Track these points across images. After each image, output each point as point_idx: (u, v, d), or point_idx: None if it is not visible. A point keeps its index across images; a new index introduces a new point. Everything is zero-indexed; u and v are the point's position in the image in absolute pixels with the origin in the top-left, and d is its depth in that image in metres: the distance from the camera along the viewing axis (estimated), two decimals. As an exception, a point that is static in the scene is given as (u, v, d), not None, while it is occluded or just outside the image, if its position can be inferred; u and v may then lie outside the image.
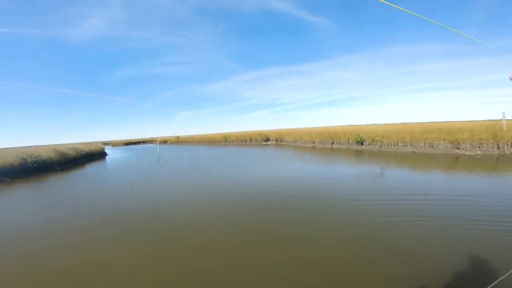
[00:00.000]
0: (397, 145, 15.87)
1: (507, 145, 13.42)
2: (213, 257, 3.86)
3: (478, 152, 13.62)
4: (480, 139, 14.03)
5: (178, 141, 51.12)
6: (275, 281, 3.13)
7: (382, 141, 16.54)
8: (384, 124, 23.68)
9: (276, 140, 26.58)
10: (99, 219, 6.07)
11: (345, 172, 10.61)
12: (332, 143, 19.62)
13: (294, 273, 3.26)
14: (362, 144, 17.57)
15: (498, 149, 13.53)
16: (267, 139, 28.63)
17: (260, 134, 30.78)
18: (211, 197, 7.49)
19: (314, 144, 20.77)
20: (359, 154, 15.72)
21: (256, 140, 29.98)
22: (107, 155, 27.74)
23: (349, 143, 18.51)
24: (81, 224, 5.72)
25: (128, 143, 63.13)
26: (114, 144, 61.57)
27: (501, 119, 15.56)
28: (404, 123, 20.36)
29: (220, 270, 3.48)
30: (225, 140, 37.10)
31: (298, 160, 15.12)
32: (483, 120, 17.64)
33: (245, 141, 32.14)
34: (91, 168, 17.54)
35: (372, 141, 16.99)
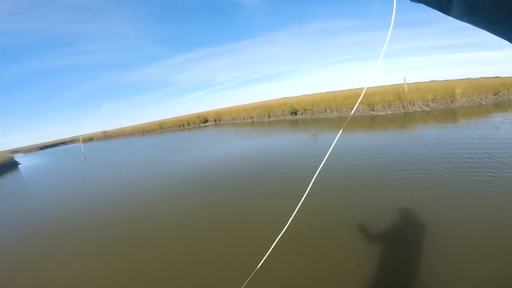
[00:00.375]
0: (325, 111, 17.57)
1: (410, 105, 16.26)
2: (170, 247, 3.69)
3: (389, 112, 16.13)
4: (389, 101, 16.57)
5: (107, 136, 45.53)
6: (238, 258, 3.15)
7: (313, 110, 18.06)
8: (313, 94, 25.78)
9: (215, 121, 26.27)
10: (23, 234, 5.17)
11: (284, 142, 11.30)
12: (269, 116, 20.48)
13: (252, 249, 3.31)
14: (296, 114, 18.85)
15: (403, 108, 16.27)
16: (206, 121, 28.00)
17: (198, 116, 29.78)
18: (153, 188, 7.05)
19: (253, 120, 21.33)
20: (294, 123, 16.88)
21: (194, 123, 28.97)
22: (20, 164, 23.08)
23: (284, 115, 19.63)
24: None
25: (44, 147, 53.80)
26: (26, 150, 51.95)
27: (403, 83, 18.63)
28: (329, 92, 22.56)
29: (184, 258, 3.38)
30: (161, 128, 34.74)
31: (239, 136, 15.40)
32: (390, 85, 20.83)
33: (183, 125, 30.72)
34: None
35: (304, 111, 18.39)
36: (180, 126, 31.16)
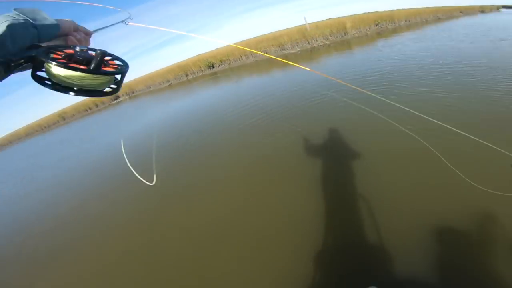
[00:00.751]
0: (242, 59, 17.83)
1: (314, 40, 17.86)
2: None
3: (298, 49, 17.46)
4: (296, 40, 17.87)
5: None
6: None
7: (229, 59, 18.06)
8: (226, 45, 25.48)
9: (128, 94, 23.62)
10: None
11: (206, 97, 11.16)
12: (187, 75, 19.58)
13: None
14: (213, 67, 18.55)
15: (309, 44, 17.81)
16: (117, 97, 24.91)
17: (106, 94, 26.15)
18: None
19: (170, 82, 20.01)
20: (214, 76, 16.67)
21: (103, 103, 25.43)
22: None
23: (202, 70, 19.05)
24: None
25: None
26: None
27: (305, 24, 20.18)
28: (242, 40, 22.75)
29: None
30: (63, 119, 29.33)
31: (158, 102, 14.45)
32: (295, 26, 22.33)
33: (90, 109, 26.65)
34: None
35: (221, 62, 18.24)
36: (87, 110, 26.94)
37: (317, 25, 19.41)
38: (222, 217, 2.94)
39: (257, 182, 3.41)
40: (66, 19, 0.73)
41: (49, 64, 0.55)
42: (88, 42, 0.77)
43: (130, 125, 10.36)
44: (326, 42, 17.38)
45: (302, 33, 17.91)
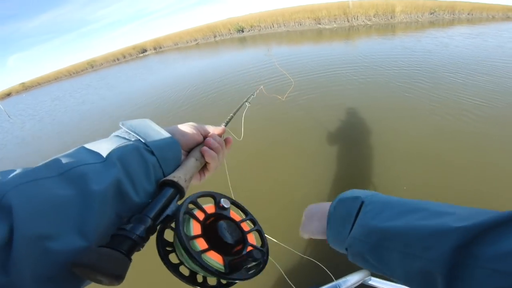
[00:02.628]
0: (273, 27, 17.42)
1: (354, 19, 16.95)
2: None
3: (335, 25, 16.67)
4: (334, 15, 17.04)
5: (26, 87, 38.97)
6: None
7: (260, 26, 17.72)
8: (260, 12, 25.03)
9: (155, 49, 24.20)
10: None
11: (240, 58, 10.91)
12: (215, 37, 19.58)
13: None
14: (242, 31, 18.34)
15: (348, 22, 16.93)
16: (144, 50, 25.66)
17: (134, 47, 26.81)
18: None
19: (197, 41, 20.16)
20: (242, 40, 16.50)
21: (131, 55, 26.34)
22: None
23: (231, 33, 18.93)
24: None
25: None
26: None
27: (348, 0, 19.11)
28: (276, 9, 22.11)
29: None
30: (92, 67, 30.91)
31: (184, 59, 14.66)
32: (336, 1, 21.18)
33: (118, 59, 27.75)
34: None
35: (251, 27, 17.96)
36: (115, 60, 28.08)
37: (361, 4, 18.28)
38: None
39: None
40: (186, 126, 0.51)
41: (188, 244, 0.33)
42: (223, 146, 0.54)
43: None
44: (368, 23, 16.38)
45: (342, 10, 17.00)
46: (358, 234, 0.41)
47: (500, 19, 18.27)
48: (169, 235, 0.36)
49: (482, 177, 2.35)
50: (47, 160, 0.33)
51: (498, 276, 0.25)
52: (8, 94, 40.17)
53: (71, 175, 0.32)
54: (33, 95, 23.05)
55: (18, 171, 0.30)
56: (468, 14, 19.01)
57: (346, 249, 0.44)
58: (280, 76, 5.63)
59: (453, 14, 18.59)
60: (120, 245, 0.29)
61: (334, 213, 0.47)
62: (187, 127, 0.50)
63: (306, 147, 3.16)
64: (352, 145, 3.12)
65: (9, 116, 14.18)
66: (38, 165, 0.32)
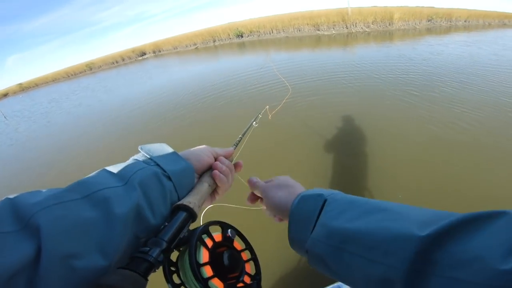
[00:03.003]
0: (272, 32, 17.62)
1: (353, 26, 17.20)
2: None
3: (333, 32, 16.90)
4: (333, 22, 17.28)
5: (23, 88, 38.86)
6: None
7: (259, 31, 17.93)
8: (259, 17, 25.35)
9: (154, 52, 24.35)
10: None
11: (238, 64, 11.00)
12: (214, 41, 19.78)
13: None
14: (242, 37, 18.54)
15: (347, 29, 17.18)
16: (143, 54, 25.81)
17: (133, 50, 26.97)
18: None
19: (196, 46, 20.33)
20: (241, 45, 16.70)
21: (130, 58, 26.47)
22: None
23: (230, 38, 19.13)
24: None
25: None
26: None
27: (347, 7, 19.39)
28: (275, 14, 22.37)
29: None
30: (90, 69, 30.97)
31: (183, 64, 14.80)
32: (335, 8, 21.45)
33: (116, 62, 27.85)
34: None
35: (251, 33, 18.17)
36: (113, 63, 28.18)
37: (360, 11, 18.56)
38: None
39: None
40: (200, 150, 0.53)
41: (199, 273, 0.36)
42: (232, 169, 0.57)
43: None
44: (366, 30, 16.62)
45: (341, 16, 17.25)
46: (319, 235, 0.39)
47: (496, 26, 18.58)
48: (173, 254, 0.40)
49: (477, 185, 2.41)
50: (71, 183, 0.36)
51: (458, 285, 0.24)
52: (5, 95, 40.02)
53: (95, 197, 0.34)
54: (30, 96, 23.08)
55: (45, 192, 0.33)
56: (464, 21, 19.33)
57: (307, 252, 0.42)
58: (278, 82, 5.76)
59: (450, 22, 18.91)
60: (139, 267, 0.32)
61: (296, 211, 0.45)
62: (201, 152, 0.53)
63: (301, 154, 3.23)
64: (347, 152, 3.19)
65: (5, 117, 14.14)
66: (63, 187, 0.34)
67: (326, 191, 0.45)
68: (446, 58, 7.28)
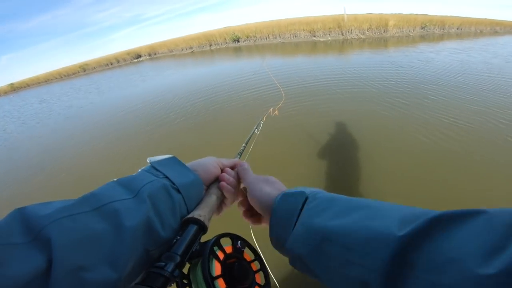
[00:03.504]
0: (269, 38, 17.79)
1: (349, 32, 17.48)
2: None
3: (329, 38, 17.14)
4: (329, 28, 17.53)
5: (15, 88, 38.26)
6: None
7: (256, 36, 18.09)
8: (256, 22, 25.55)
9: (150, 55, 24.32)
10: None
11: (233, 68, 10.99)
12: (210, 45, 19.88)
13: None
14: (238, 41, 18.66)
15: (342, 35, 17.45)
16: (139, 56, 25.76)
17: (128, 52, 26.98)
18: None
19: (192, 49, 20.39)
20: (238, 50, 16.80)
21: (125, 60, 26.38)
22: None
23: (226, 43, 19.25)
24: None
25: None
26: None
27: (343, 13, 19.69)
28: (272, 20, 22.59)
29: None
30: (84, 70, 30.77)
31: (178, 67, 14.80)
32: (331, 15, 21.81)
33: (111, 64, 27.75)
34: None
35: (247, 38, 18.31)
36: (108, 65, 28.05)
37: (355, 17, 18.87)
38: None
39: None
40: (207, 161, 0.55)
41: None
42: (236, 179, 0.57)
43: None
44: (362, 37, 16.91)
45: (337, 23, 17.52)
46: (299, 234, 0.38)
47: (488, 33, 19.03)
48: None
49: (464, 194, 2.45)
50: (81, 196, 0.36)
51: None
52: (-4, 95, 39.35)
53: (104, 210, 0.35)
54: (21, 97, 22.78)
55: (55, 204, 0.33)
56: (457, 28, 19.78)
57: (288, 252, 0.41)
58: (273, 87, 5.88)
59: (443, 29, 19.33)
60: (156, 282, 0.33)
61: (277, 208, 0.44)
62: (208, 163, 0.54)
63: (291, 161, 3.26)
64: (338, 158, 3.23)
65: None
66: (73, 200, 0.35)
67: (309, 189, 0.44)
68: (436, 66, 7.44)
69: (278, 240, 0.43)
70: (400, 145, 3.31)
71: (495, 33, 19.55)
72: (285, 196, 0.45)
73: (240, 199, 0.57)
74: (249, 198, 0.52)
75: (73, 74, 31.41)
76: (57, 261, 0.27)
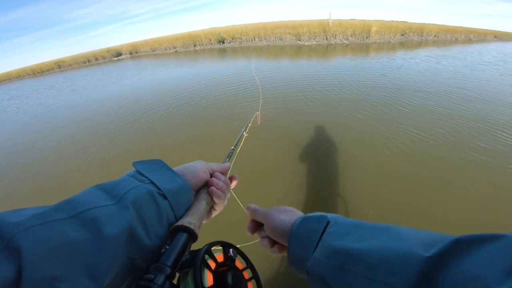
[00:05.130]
0: (254, 40, 17.94)
1: (333, 37, 17.95)
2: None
3: (314, 42, 17.54)
4: (314, 33, 17.95)
5: None
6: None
7: (241, 38, 18.17)
8: (242, 24, 25.66)
9: (131, 53, 23.72)
10: None
11: (219, 69, 10.95)
12: (195, 46, 19.73)
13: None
14: (223, 43, 18.66)
15: (327, 40, 17.89)
16: (119, 54, 25.05)
17: (108, 50, 26.15)
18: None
19: (176, 49, 20.16)
20: (222, 51, 16.78)
21: (104, 58, 25.56)
22: None
23: (211, 43, 19.19)
24: None
25: None
26: None
27: (328, 18, 20.20)
28: (259, 22, 22.77)
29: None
30: (59, 67, 29.45)
31: (159, 66, 14.55)
32: (316, 19, 22.32)
33: (89, 61, 26.76)
34: None
35: (233, 39, 18.35)
36: (85, 62, 27.02)
37: (340, 23, 19.44)
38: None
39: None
40: (196, 166, 0.53)
41: None
42: (228, 184, 0.57)
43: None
44: (345, 42, 17.44)
45: (322, 28, 17.97)
46: (322, 255, 0.40)
47: (462, 41, 20.18)
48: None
49: (444, 203, 2.58)
50: (58, 202, 0.34)
51: None
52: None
53: (83, 217, 0.33)
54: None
55: (28, 211, 0.31)
56: (434, 36, 20.85)
57: (307, 273, 0.42)
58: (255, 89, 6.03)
59: (421, 36, 20.31)
60: None
61: (297, 231, 0.45)
62: (197, 168, 0.53)
63: (272, 170, 3.30)
64: (319, 166, 3.32)
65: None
66: (49, 206, 0.33)
67: (330, 215, 0.46)
68: (404, 73, 7.89)
69: (297, 261, 0.44)
70: (380, 153, 3.48)
71: (469, 41, 20.79)
72: (305, 219, 0.47)
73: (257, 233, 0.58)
74: (265, 228, 0.53)
75: (47, 70, 29.93)
76: (27, 271, 0.26)
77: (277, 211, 0.54)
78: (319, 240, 0.42)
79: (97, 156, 4.16)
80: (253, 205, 0.58)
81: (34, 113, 8.19)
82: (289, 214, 0.52)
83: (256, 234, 0.59)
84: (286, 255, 0.51)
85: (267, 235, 0.55)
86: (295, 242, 0.45)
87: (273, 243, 0.56)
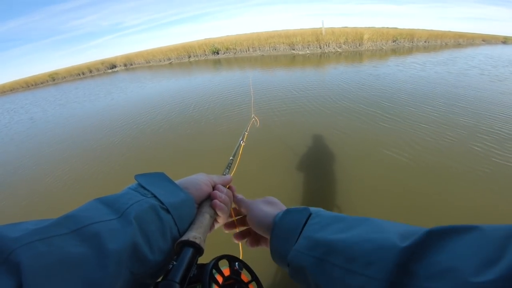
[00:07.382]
0: (248, 50, 18.14)
1: (326, 46, 18.21)
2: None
3: (308, 51, 17.78)
4: (308, 42, 18.20)
5: None
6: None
7: (236, 49, 18.35)
8: (237, 34, 25.92)
9: (125, 65, 23.77)
10: None
11: (214, 81, 11.02)
12: (189, 57, 19.87)
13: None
14: (218, 53, 18.84)
15: (320, 48, 18.15)
16: (114, 66, 25.07)
17: (102, 62, 26.17)
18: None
19: (171, 61, 20.26)
20: (217, 62, 16.93)
21: (98, 70, 25.56)
22: None
23: (205, 54, 19.35)
24: None
25: None
26: None
27: (321, 27, 20.51)
28: (252, 32, 23.02)
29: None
30: (53, 79, 29.38)
31: (154, 78, 14.57)
32: (309, 28, 22.69)
33: (83, 74, 26.73)
34: None
35: (227, 50, 18.53)
36: (79, 74, 26.99)
37: (333, 31, 19.75)
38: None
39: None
40: (198, 179, 0.53)
41: None
42: (230, 197, 0.57)
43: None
44: (338, 50, 17.72)
45: (316, 36, 18.25)
46: (302, 247, 0.40)
47: (452, 46, 20.65)
48: None
49: (438, 211, 2.57)
50: (59, 216, 0.33)
51: None
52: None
53: (84, 232, 0.32)
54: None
55: (28, 226, 0.30)
56: (425, 41, 21.30)
57: (288, 264, 0.42)
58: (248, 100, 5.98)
59: (412, 42, 20.71)
60: None
61: (280, 223, 0.46)
62: (199, 180, 0.53)
63: (267, 180, 3.33)
64: (315, 174, 3.35)
65: None
66: (50, 220, 0.32)
67: (312, 208, 0.47)
68: (388, 79, 8.03)
69: (279, 252, 0.44)
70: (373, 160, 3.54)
71: (458, 45, 21.29)
72: (288, 211, 0.47)
73: (230, 219, 0.58)
74: (248, 219, 0.54)
75: (41, 83, 29.83)
76: (27, 287, 0.25)
77: (262, 202, 0.55)
78: (301, 232, 0.42)
79: (101, 169, 4.15)
80: (240, 195, 0.60)
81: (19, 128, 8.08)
82: (273, 206, 0.54)
83: (237, 227, 0.60)
84: (257, 248, 0.56)
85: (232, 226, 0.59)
86: (277, 234, 0.45)
87: (244, 236, 0.58)
